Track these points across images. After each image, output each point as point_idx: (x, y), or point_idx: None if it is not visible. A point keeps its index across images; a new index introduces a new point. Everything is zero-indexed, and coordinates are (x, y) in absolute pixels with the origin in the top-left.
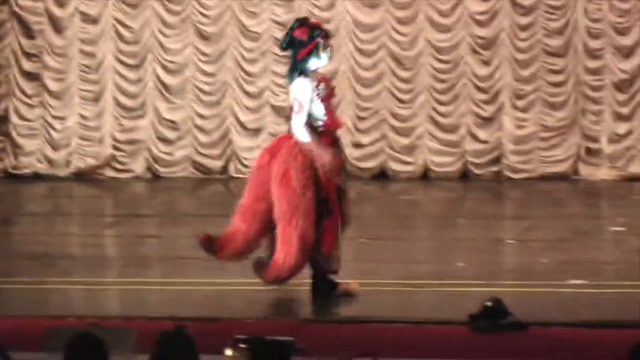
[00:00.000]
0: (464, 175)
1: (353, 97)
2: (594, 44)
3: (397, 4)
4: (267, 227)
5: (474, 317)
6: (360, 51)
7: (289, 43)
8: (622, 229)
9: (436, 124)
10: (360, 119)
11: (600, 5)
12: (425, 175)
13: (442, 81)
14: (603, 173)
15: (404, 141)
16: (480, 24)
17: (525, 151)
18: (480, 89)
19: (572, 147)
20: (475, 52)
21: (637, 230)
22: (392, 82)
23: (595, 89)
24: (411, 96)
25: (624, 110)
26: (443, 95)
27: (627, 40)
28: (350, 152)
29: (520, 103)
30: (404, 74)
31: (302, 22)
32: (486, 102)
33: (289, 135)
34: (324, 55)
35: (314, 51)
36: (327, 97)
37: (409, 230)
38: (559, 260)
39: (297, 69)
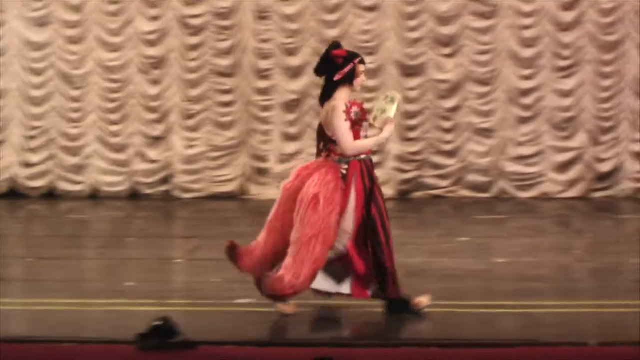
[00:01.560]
0: (134, 194)
1: (22, 116)
2: (263, 64)
3: (67, 23)
4: (282, 244)
5: (143, 336)
6: (30, 70)
7: (325, 65)
8: None
9: (106, 143)
10: (30, 138)
11: (269, 26)
12: (95, 195)
13: (112, 101)
14: (272, 192)
15: (74, 160)
16: (149, 43)
17: (195, 171)
18: (150, 109)
19: (241, 166)
20: (144, 71)
21: None
22: (61, 101)
23: (264, 109)
24: (81, 115)
25: (293, 131)
26: (113, 115)
27: (295, 61)
28: (18, 172)
29: (189, 123)
30: (73, 93)
31: (339, 45)
32: (156, 122)
33: (323, 162)
34: (358, 80)
35: (349, 74)
36: (360, 121)
37: (78, 249)
38: (228, 279)
39: (331, 91)
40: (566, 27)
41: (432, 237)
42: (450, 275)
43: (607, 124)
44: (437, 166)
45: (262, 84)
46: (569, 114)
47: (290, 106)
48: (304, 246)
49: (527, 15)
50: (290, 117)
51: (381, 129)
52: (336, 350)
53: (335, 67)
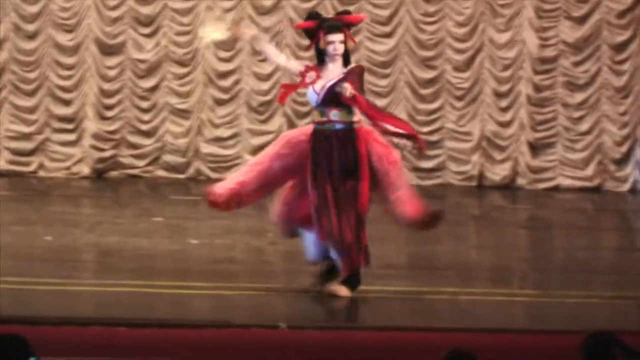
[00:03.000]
0: None
1: None
2: None
3: None
4: None
5: None
6: None
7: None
8: None
9: None
10: None
11: None
12: None
13: None
14: None
15: None
16: None
17: None
18: None
19: None
20: None
21: None
22: None
23: None
24: None
25: None
26: None
27: None
28: None
29: None
30: None
31: (308, 17)
32: None
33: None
34: (328, 50)
35: (315, 47)
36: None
37: None
38: None
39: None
40: (265, 11)
41: (127, 216)
42: (144, 255)
43: (304, 109)
44: (133, 146)
45: None
46: (266, 98)
47: None
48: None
49: None
50: None
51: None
52: None
53: (309, 37)
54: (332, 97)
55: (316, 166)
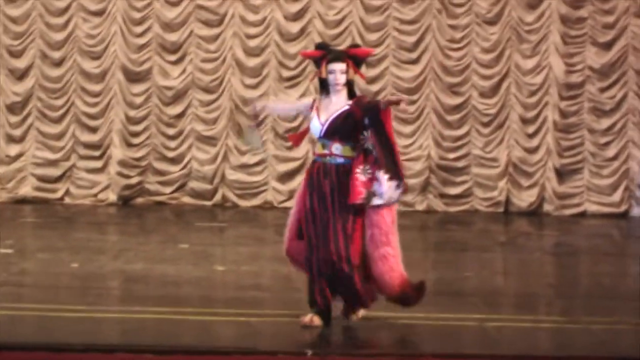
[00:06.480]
0: None
1: None
2: None
3: None
4: None
5: None
6: None
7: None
8: (10, 251)
9: None
10: None
11: None
12: None
13: None
14: None
15: None
16: None
17: None
18: None
19: None
20: None
21: (24, 252)
22: None
23: None
24: None
25: (16, 133)
26: None
27: (20, 63)
28: None
29: None
30: None
31: (317, 46)
32: None
33: None
34: (329, 78)
35: (319, 77)
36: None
37: None
38: None
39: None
40: (292, 38)
41: (153, 243)
42: (170, 282)
43: None
44: (160, 172)
45: None
46: (293, 124)
47: (15, 108)
48: None
49: (253, 24)
50: (14, 119)
51: None
52: None
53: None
54: (335, 130)
55: (313, 199)
